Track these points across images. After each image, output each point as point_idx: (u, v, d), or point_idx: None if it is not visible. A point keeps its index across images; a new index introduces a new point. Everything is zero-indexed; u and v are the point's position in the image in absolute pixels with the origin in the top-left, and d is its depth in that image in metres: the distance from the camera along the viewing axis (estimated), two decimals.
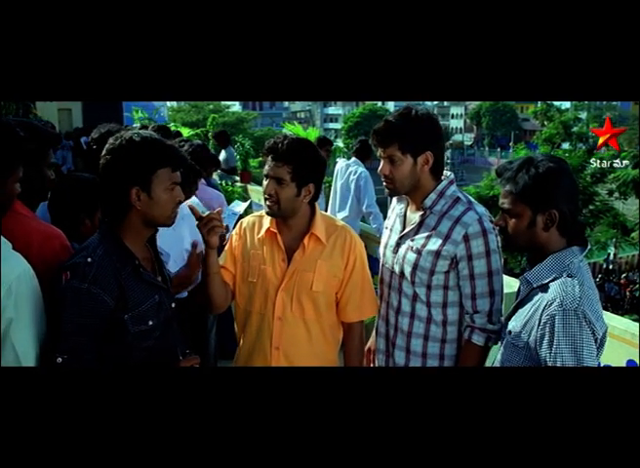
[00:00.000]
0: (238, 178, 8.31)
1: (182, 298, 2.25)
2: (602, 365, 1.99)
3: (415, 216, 1.92)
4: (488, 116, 49.27)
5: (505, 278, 2.00)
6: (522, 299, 1.64)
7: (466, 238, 1.79)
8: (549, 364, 1.47)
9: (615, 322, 2.48)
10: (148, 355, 1.54)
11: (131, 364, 1.50)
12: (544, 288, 1.55)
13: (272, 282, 1.88)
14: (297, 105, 61.35)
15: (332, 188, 5.47)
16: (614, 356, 2.32)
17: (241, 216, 3.19)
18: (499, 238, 1.79)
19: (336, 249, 1.90)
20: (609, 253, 19.35)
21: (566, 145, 19.40)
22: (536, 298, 1.57)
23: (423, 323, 1.92)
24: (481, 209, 1.86)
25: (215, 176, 5.75)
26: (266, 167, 1.82)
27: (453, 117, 57.04)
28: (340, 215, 5.00)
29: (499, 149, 46.61)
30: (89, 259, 1.44)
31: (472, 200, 1.90)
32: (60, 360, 1.39)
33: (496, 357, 1.74)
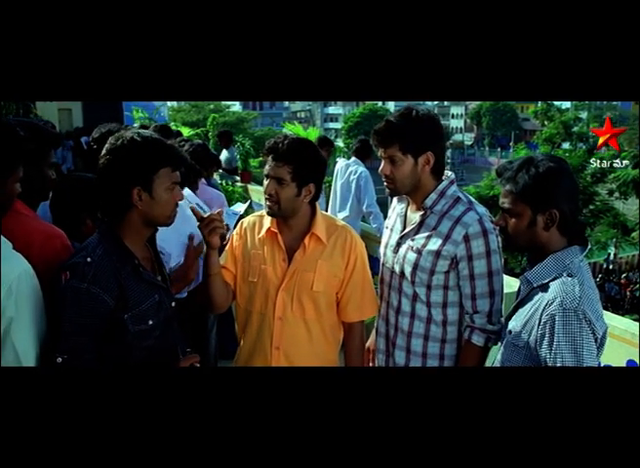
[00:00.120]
0: (238, 178, 8.31)
1: (182, 298, 2.25)
2: (602, 365, 1.98)
3: (415, 216, 1.92)
4: (488, 116, 49.22)
5: (505, 278, 1.99)
6: (522, 299, 1.64)
7: (467, 238, 1.79)
8: (549, 363, 1.47)
9: (615, 322, 2.47)
10: (148, 354, 1.54)
11: (131, 363, 1.50)
12: (545, 287, 1.55)
13: (273, 282, 1.88)
14: (297, 105, 61.30)
15: (332, 188, 5.46)
16: (614, 356, 2.32)
17: (242, 216, 3.18)
18: (499, 238, 1.79)
19: (336, 248, 1.90)
20: (609, 253, 19.36)
21: (566, 145, 19.43)
22: (536, 298, 1.57)
23: (423, 323, 1.92)
24: (481, 209, 1.86)
25: (215, 176, 5.75)
26: (267, 167, 1.82)
27: (453, 117, 56.95)
28: (341, 215, 5.00)
29: (499, 149, 46.57)
30: (88, 259, 1.44)
31: (473, 200, 1.89)
32: (60, 360, 1.39)
33: (496, 357, 1.74)
